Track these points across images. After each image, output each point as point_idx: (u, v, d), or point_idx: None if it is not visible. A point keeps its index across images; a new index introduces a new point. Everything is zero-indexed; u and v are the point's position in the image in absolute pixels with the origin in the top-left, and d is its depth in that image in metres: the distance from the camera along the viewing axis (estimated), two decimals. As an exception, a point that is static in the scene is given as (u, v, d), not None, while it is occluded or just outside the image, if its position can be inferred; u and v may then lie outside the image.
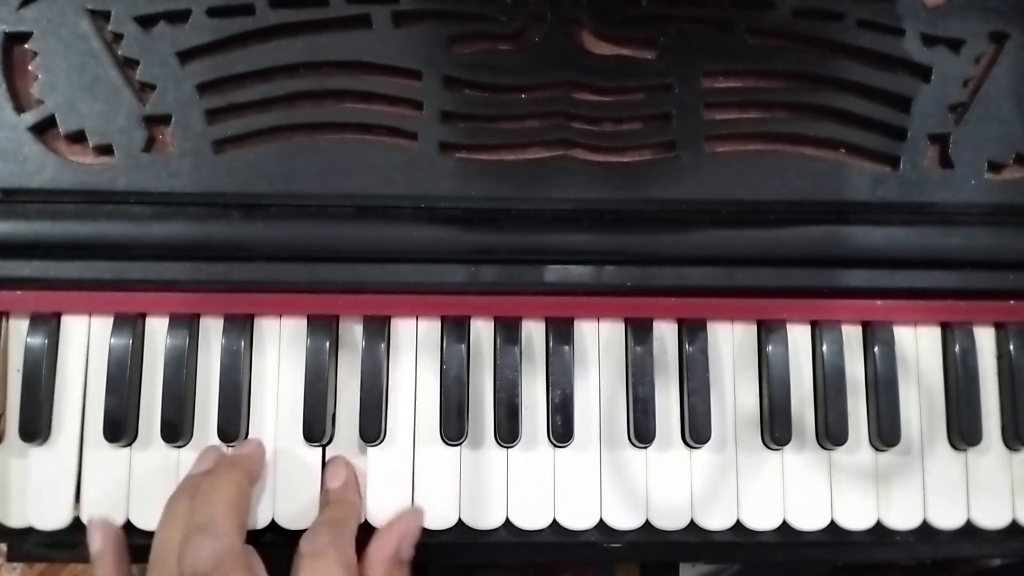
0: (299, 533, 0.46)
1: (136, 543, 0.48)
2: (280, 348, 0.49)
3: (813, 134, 0.49)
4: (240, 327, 0.48)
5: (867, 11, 0.50)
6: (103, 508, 0.48)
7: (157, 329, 0.49)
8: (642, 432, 0.48)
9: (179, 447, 0.48)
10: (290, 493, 0.48)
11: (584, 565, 0.75)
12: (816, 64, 0.50)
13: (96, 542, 0.46)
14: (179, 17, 0.48)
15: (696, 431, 0.48)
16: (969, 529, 0.50)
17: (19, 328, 0.48)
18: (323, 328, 0.48)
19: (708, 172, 0.49)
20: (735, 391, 0.50)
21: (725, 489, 0.49)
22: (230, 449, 0.48)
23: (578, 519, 0.48)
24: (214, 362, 0.48)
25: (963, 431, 0.49)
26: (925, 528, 0.50)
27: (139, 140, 0.48)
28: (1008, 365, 0.50)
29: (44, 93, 0.48)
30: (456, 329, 0.49)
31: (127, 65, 0.48)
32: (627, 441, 0.49)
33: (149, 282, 0.48)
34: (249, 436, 0.48)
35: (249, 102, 0.48)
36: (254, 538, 0.48)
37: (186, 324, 0.48)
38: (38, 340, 0.48)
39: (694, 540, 0.49)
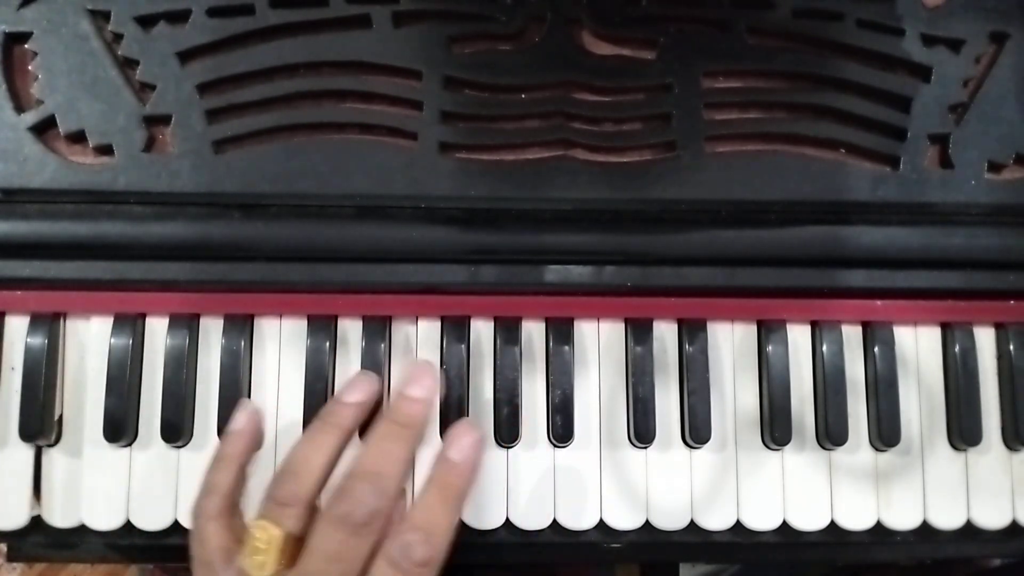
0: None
1: (136, 543, 0.49)
2: (280, 348, 0.49)
3: (813, 134, 0.49)
4: (240, 327, 0.48)
5: (867, 11, 0.50)
6: (103, 508, 0.48)
7: (157, 329, 0.49)
8: (642, 432, 0.48)
9: (179, 447, 0.48)
10: (290, 493, 0.48)
11: (584, 565, 0.75)
12: (816, 64, 0.50)
13: (239, 420, 0.46)
14: (179, 17, 0.48)
15: (696, 431, 0.48)
16: (969, 529, 0.50)
17: (19, 328, 0.48)
18: (323, 328, 0.48)
19: (708, 172, 0.49)
20: (735, 391, 0.50)
21: (725, 489, 0.49)
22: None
23: (578, 519, 0.48)
24: (214, 362, 0.48)
25: (963, 431, 0.49)
26: (925, 528, 0.50)
27: (139, 140, 0.48)
28: (1008, 365, 0.50)
29: (44, 93, 0.48)
30: (456, 329, 0.49)
31: (127, 65, 0.48)
32: (627, 441, 0.49)
33: (149, 282, 0.48)
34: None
35: (249, 102, 0.48)
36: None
37: (186, 324, 0.48)
38: (38, 340, 0.48)
39: (694, 540, 0.49)
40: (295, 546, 0.40)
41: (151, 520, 0.47)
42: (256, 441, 0.46)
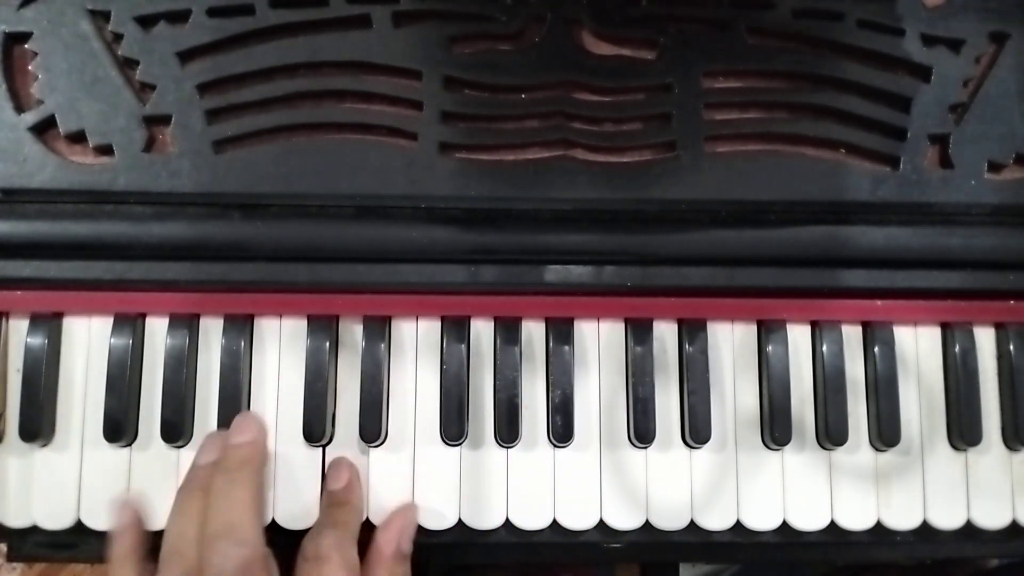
0: (299, 533, 0.46)
1: (136, 543, 0.49)
2: (280, 348, 0.49)
3: (813, 134, 0.50)
4: (240, 327, 0.48)
5: (867, 11, 0.50)
6: (103, 508, 0.48)
7: (157, 329, 0.49)
8: (642, 432, 0.48)
9: (179, 447, 0.48)
10: (290, 493, 0.48)
11: (584, 565, 0.75)
12: (816, 64, 0.50)
13: (120, 520, 0.45)
14: (179, 17, 0.48)
15: (696, 431, 0.48)
16: (969, 529, 0.50)
17: (19, 328, 0.48)
18: (323, 328, 0.48)
19: (708, 172, 0.49)
20: (735, 391, 0.50)
21: (725, 489, 0.49)
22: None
23: (578, 519, 0.48)
24: (214, 362, 0.48)
25: (963, 431, 0.49)
26: (925, 528, 0.50)
27: (139, 140, 0.48)
28: (1008, 365, 0.50)
29: (44, 93, 0.48)
30: (456, 329, 0.49)
31: (127, 65, 0.48)
32: (627, 441, 0.49)
33: (149, 282, 0.48)
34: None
35: (249, 102, 0.48)
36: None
37: (186, 324, 0.48)
38: (38, 340, 0.48)
39: (694, 540, 0.49)
40: None
41: (151, 520, 0.47)
42: (143, 531, 0.45)
